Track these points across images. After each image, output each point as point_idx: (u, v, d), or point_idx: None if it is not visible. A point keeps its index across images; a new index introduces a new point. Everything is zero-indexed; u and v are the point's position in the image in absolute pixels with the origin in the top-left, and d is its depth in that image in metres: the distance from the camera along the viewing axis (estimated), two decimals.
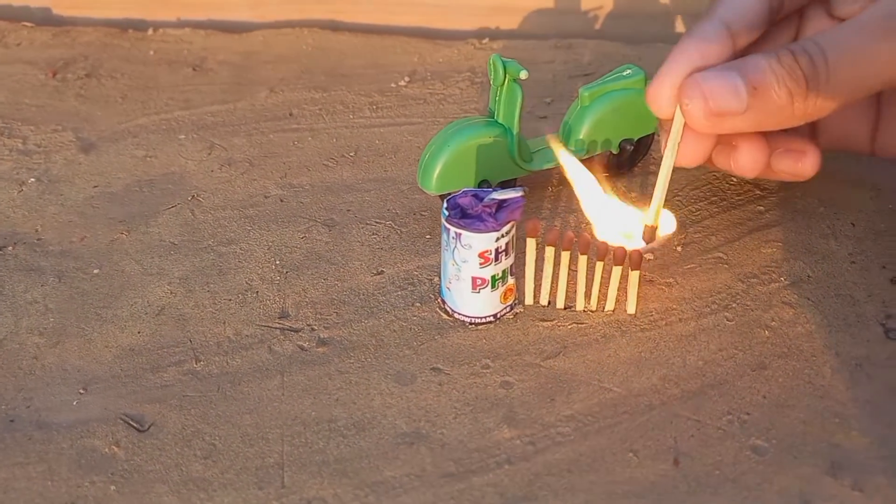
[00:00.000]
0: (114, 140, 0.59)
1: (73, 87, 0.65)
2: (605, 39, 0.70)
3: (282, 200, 0.52)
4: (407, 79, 0.66)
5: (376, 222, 0.50)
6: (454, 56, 0.69)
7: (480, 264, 0.39)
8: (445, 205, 0.39)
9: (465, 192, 0.39)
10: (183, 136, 0.59)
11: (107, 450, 0.36)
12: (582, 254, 0.40)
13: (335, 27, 0.73)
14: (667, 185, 0.39)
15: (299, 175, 0.55)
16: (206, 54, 0.69)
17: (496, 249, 0.38)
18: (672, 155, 0.39)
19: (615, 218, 0.41)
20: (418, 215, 0.50)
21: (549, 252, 0.40)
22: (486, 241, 0.38)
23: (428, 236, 0.48)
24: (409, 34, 0.72)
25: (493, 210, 0.38)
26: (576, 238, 0.39)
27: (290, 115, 0.61)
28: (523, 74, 0.44)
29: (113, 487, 0.34)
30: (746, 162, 0.40)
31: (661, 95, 0.39)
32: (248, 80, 0.66)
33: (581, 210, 0.43)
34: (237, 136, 0.59)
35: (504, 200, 0.38)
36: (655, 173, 0.53)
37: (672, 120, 0.39)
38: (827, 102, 0.36)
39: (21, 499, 0.34)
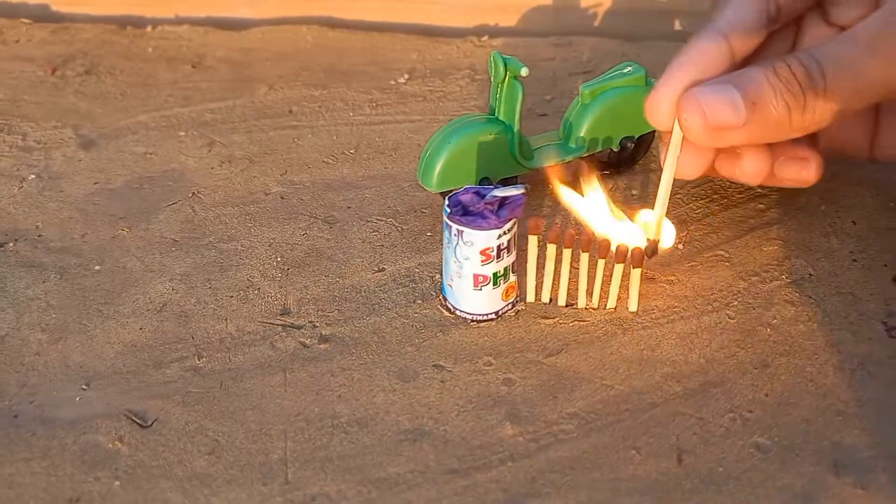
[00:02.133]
0: (114, 137, 0.58)
1: (73, 84, 0.65)
2: (605, 37, 0.70)
3: (282, 197, 0.52)
4: (406, 76, 0.66)
5: (377, 219, 0.50)
6: (454, 53, 0.69)
7: (482, 261, 0.39)
8: (447, 202, 0.39)
9: (466, 190, 0.39)
10: (183, 133, 0.59)
11: (110, 445, 0.36)
12: (584, 251, 0.40)
13: (333, 24, 0.73)
14: (668, 198, 0.39)
15: (300, 172, 0.55)
16: (205, 51, 0.69)
17: (498, 247, 0.39)
18: (672, 168, 0.39)
19: (617, 230, 0.41)
20: (419, 212, 0.50)
21: (551, 249, 0.40)
22: (487, 238, 0.38)
23: (429, 233, 0.48)
24: (408, 31, 0.72)
25: (495, 207, 0.38)
26: (577, 235, 0.39)
27: (290, 112, 0.61)
28: (524, 71, 0.44)
29: (117, 483, 0.34)
30: (750, 170, 0.40)
31: (660, 108, 0.39)
32: (248, 77, 0.66)
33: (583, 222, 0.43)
34: (237, 133, 0.59)
35: (506, 198, 0.38)
36: (656, 171, 0.53)
37: (670, 131, 0.39)
38: (825, 115, 0.36)
39: (26, 494, 0.34)
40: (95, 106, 0.62)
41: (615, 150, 0.51)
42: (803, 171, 0.40)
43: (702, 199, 0.50)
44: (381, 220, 0.50)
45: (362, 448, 0.36)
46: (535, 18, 0.73)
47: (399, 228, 0.49)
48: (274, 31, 0.72)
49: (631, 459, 0.34)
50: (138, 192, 0.53)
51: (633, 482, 0.33)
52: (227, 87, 0.64)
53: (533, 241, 0.40)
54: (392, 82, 0.65)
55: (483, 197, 0.38)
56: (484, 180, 0.48)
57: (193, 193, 0.52)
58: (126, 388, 0.39)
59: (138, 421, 0.37)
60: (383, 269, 0.46)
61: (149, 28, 0.73)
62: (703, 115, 0.36)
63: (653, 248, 0.40)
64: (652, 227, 0.40)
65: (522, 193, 0.38)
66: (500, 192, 0.38)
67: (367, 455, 0.35)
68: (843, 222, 0.47)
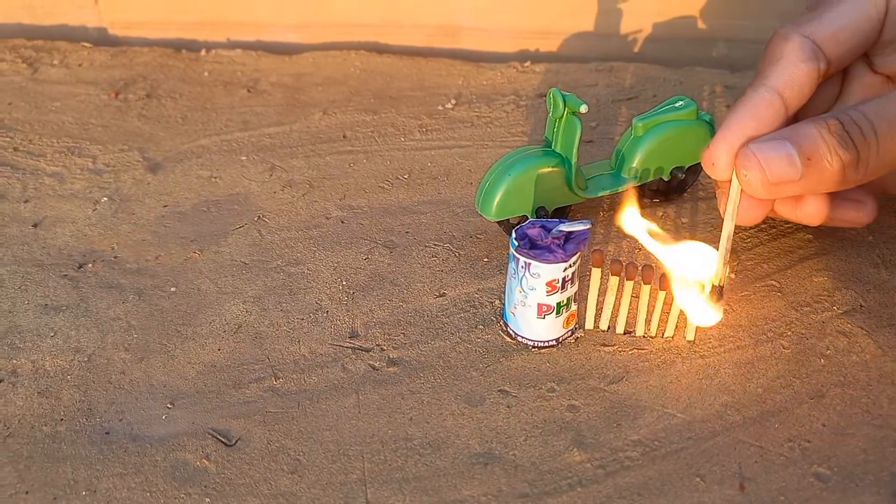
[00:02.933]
0: (178, 160, 0.61)
1: (135, 108, 0.67)
2: (646, 63, 0.72)
3: (342, 222, 0.54)
4: (453, 101, 0.68)
5: (434, 244, 0.52)
6: (498, 79, 0.70)
7: (547, 292, 0.40)
8: (514, 235, 0.41)
9: (532, 223, 0.41)
10: (244, 158, 0.61)
11: (198, 463, 0.38)
12: (645, 283, 0.41)
13: (380, 50, 0.75)
14: (730, 247, 0.41)
15: (357, 197, 0.57)
16: (259, 76, 0.72)
17: (563, 278, 0.40)
18: (732, 219, 0.40)
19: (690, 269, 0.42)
20: (475, 238, 0.52)
21: (613, 281, 0.42)
22: (554, 270, 0.40)
23: (486, 259, 0.50)
24: (453, 56, 0.74)
25: (562, 241, 0.40)
26: (640, 269, 0.41)
27: (344, 136, 0.64)
28: (583, 108, 0.46)
29: (207, 500, 0.36)
30: (812, 212, 0.41)
31: (719, 160, 0.40)
32: (301, 101, 0.68)
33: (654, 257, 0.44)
34: (295, 158, 0.61)
35: (571, 232, 0.40)
36: (705, 199, 0.55)
37: (728, 181, 0.41)
38: (878, 169, 0.37)
39: None
40: (158, 129, 0.65)
41: (665, 179, 0.53)
42: (859, 214, 0.42)
43: (751, 227, 0.51)
44: (439, 246, 0.52)
45: (436, 470, 0.37)
46: (577, 44, 0.75)
47: (456, 254, 0.51)
48: (323, 57, 0.74)
49: (696, 487, 0.36)
50: (206, 215, 0.55)
51: None
52: (282, 112, 0.67)
53: (596, 273, 0.42)
54: (440, 108, 0.67)
55: (550, 231, 0.40)
56: (540, 209, 0.49)
57: (259, 217, 0.55)
58: (209, 407, 0.41)
59: (223, 439, 0.39)
60: (444, 294, 0.48)
61: (203, 52, 0.75)
62: (762, 171, 0.38)
63: (718, 294, 0.41)
64: (716, 274, 0.41)
65: (587, 228, 0.40)
66: (567, 227, 0.40)
67: (442, 477, 0.37)
68: (892, 253, 0.48)
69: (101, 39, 0.78)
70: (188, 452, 0.38)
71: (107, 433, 0.40)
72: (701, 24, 0.73)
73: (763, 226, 0.51)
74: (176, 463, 0.38)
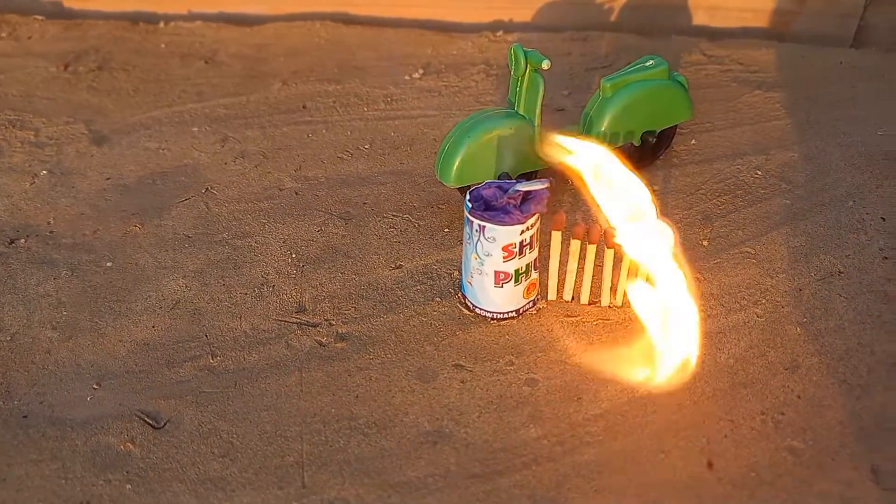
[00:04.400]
0: (126, 132, 0.58)
1: (85, 80, 0.64)
2: (622, 32, 0.69)
3: (297, 193, 0.51)
4: (421, 71, 0.65)
5: (393, 215, 0.49)
6: (468, 48, 0.67)
7: (504, 258, 0.38)
8: (468, 197, 0.38)
9: (488, 184, 0.38)
10: (196, 129, 0.58)
11: (122, 447, 0.35)
12: (609, 248, 0.38)
13: (347, 20, 0.72)
14: None
15: (314, 168, 0.54)
16: (218, 47, 0.69)
17: (521, 243, 0.37)
18: None
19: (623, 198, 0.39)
20: (436, 208, 0.49)
21: (575, 246, 0.39)
22: (510, 233, 0.37)
23: (446, 229, 0.47)
24: (423, 26, 0.71)
25: (518, 202, 0.37)
26: (603, 232, 0.38)
27: (304, 107, 0.60)
28: (545, 64, 0.43)
29: (129, 486, 0.33)
30: None
31: None
32: (261, 72, 0.65)
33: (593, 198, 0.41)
34: (250, 129, 0.58)
35: (529, 192, 0.37)
36: (679, 167, 0.52)
37: None
38: None
39: (35, 497, 0.33)
40: (108, 102, 0.61)
41: (636, 144, 0.50)
42: None
43: (725, 194, 0.49)
44: (398, 216, 0.49)
45: (381, 451, 0.35)
46: (551, 13, 0.72)
47: (416, 224, 0.48)
48: (287, 27, 0.71)
49: (660, 463, 0.33)
50: (151, 187, 0.52)
51: (662, 487, 0.32)
52: (240, 83, 0.63)
53: (556, 237, 0.39)
54: (407, 77, 0.64)
55: (506, 191, 0.37)
56: (503, 175, 0.46)
57: (206, 189, 0.52)
58: (138, 387, 0.38)
59: (150, 422, 0.36)
60: (400, 266, 0.45)
61: (161, 24, 0.72)
62: None
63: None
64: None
65: (546, 188, 0.37)
66: (524, 187, 0.37)
67: (387, 458, 0.34)
68: (872, 218, 0.46)
69: (56, 12, 0.75)
70: (112, 436, 0.35)
71: (25, 417, 0.36)
72: None
73: (738, 191, 0.49)
74: (97, 447, 0.35)
